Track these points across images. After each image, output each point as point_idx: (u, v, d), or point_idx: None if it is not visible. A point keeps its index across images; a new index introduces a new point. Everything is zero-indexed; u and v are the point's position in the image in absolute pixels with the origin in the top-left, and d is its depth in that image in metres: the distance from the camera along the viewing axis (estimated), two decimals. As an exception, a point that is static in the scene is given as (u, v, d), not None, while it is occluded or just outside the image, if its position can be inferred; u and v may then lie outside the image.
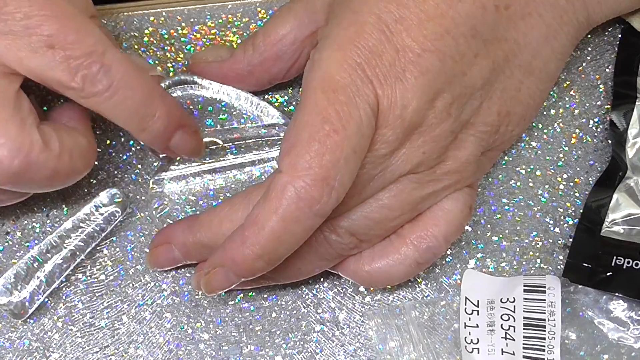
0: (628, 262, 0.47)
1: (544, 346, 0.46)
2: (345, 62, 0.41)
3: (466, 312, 0.48)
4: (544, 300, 0.47)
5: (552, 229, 0.51)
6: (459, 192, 0.46)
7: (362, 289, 0.50)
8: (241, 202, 0.45)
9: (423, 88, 0.42)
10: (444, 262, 0.50)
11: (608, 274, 0.48)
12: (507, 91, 0.45)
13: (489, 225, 0.51)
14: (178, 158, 0.50)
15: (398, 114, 0.42)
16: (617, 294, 0.47)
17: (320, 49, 0.42)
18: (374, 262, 0.46)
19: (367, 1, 0.42)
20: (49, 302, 0.49)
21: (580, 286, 0.48)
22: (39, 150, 0.42)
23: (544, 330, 0.46)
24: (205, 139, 0.50)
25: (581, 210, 0.50)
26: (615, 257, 0.48)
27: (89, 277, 0.50)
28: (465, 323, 0.47)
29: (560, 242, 0.50)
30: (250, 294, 0.49)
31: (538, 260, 0.50)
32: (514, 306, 0.47)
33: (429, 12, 0.42)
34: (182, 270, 0.50)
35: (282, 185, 0.40)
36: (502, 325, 0.47)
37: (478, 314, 0.48)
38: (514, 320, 0.47)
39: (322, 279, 0.50)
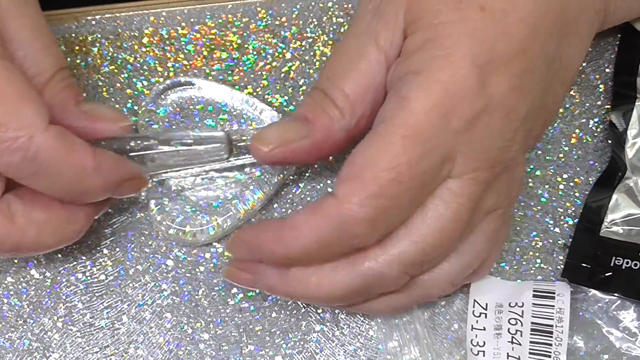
0: (627, 263, 0.47)
1: (550, 352, 0.46)
2: (432, 111, 0.40)
3: (474, 315, 0.48)
4: (553, 306, 0.47)
5: (552, 229, 0.51)
6: (509, 215, 0.46)
7: (362, 289, 0.50)
8: (345, 267, 0.43)
9: (507, 128, 0.41)
10: (444, 262, 0.50)
11: (607, 274, 0.48)
12: (548, 105, 0.45)
13: (489, 225, 0.51)
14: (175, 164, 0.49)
15: (485, 157, 0.41)
16: (617, 296, 0.47)
17: (410, 86, 0.40)
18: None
19: (460, 42, 0.40)
20: (49, 302, 0.49)
21: (589, 294, 0.48)
22: None
23: (551, 337, 0.46)
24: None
25: (581, 210, 0.50)
26: (614, 258, 0.48)
27: (89, 277, 0.50)
28: (472, 325, 0.47)
29: (560, 242, 0.50)
30: (250, 294, 0.49)
31: (538, 260, 0.50)
32: (522, 311, 0.47)
33: (514, 49, 0.41)
34: (182, 270, 0.50)
35: (331, 210, 0.40)
36: (509, 329, 0.47)
37: (486, 317, 0.48)
38: (522, 325, 0.47)
39: (322, 279, 0.50)
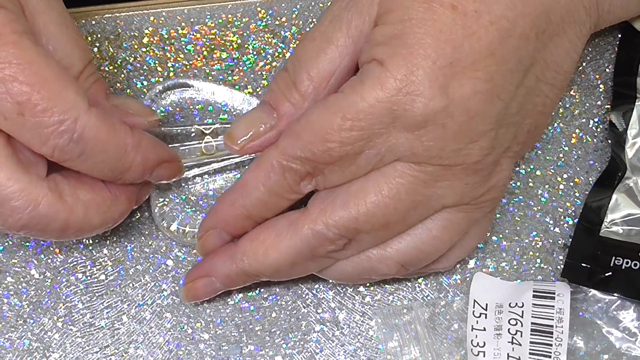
0: (627, 263, 0.47)
1: (551, 352, 0.46)
2: (381, 104, 0.41)
3: (474, 315, 0.48)
4: (553, 306, 0.47)
5: (552, 229, 0.51)
6: (485, 218, 0.46)
7: (362, 288, 0.50)
8: (287, 231, 0.45)
9: (467, 132, 0.42)
10: (444, 262, 0.50)
11: (607, 274, 0.48)
12: (535, 108, 0.45)
13: (489, 225, 0.51)
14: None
15: (435, 155, 0.42)
16: (617, 296, 0.47)
17: (369, 73, 0.42)
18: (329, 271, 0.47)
19: (423, 43, 0.41)
20: (49, 302, 0.49)
21: (589, 294, 0.48)
22: (48, 204, 0.42)
23: (551, 337, 0.46)
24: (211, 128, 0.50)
25: (581, 210, 0.50)
26: (614, 258, 0.48)
27: (89, 277, 0.50)
28: (472, 326, 0.47)
29: (560, 242, 0.50)
30: (250, 294, 0.49)
31: (538, 260, 0.50)
32: (522, 311, 0.47)
33: (481, 52, 0.41)
34: (182, 270, 0.50)
35: (273, 161, 0.44)
36: (509, 329, 0.47)
37: (486, 318, 0.48)
38: (522, 325, 0.47)
39: (322, 279, 0.50)
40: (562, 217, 0.51)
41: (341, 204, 0.43)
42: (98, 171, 0.43)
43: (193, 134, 0.50)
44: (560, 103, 0.53)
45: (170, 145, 0.49)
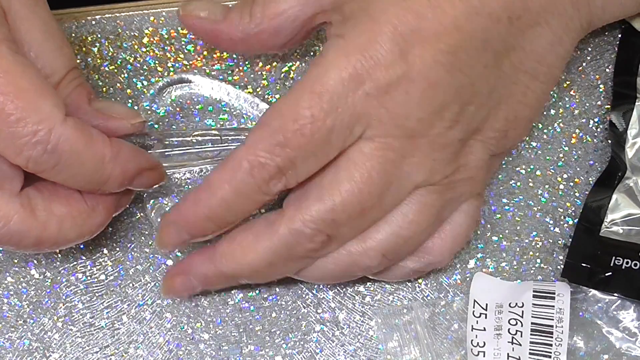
0: (627, 263, 0.47)
1: (551, 352, 0.46)
2: (345, 70, 0.41)
3: (474, 315, 0.48)
4: (553, 306, 0.47)
5: (552, 229, 0.51)
6: (468, 204, 0.46)
7: (362, 288, 0.50)
8: (264, 232, 0.44)
9: (429, 100, 0.42)
10: (444, 262, 0.50)
11: (607, 274, 0.48)
12: (514, 97, 0.45)
13: (489, 225, 0.51)
14: (175, 163, 0.49)
15: (400, 124, 0.42)
16: (617, 296, 0.47)
17: (329, 49, 0.42)
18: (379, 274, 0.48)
19: (387, 10, 0.42)
20: (49, 302, 0.49)
21: (589, 294, 0.48)
22: (20, 220, 0.42)
23: (551, 337, 0.46)
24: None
25: (581, 210, 0.50)
26: (614, 258, 0.48)
27: (89, 277, 0.50)
28: (472, 326, 0.47)
29: (560, 242, 0.50)
30: (250, 294, 0.49)
31: (538, 260, 0.50)
32: (522, 311, 0.47)
33: (446, 24, 0.41)
34: (182, 270, 0.50)
35: (240, 158, 0.43)
36: (509, 329, 0.47)
37: (486, 318, 0.48)
38: (522, 325, 0.47)
39: (322, 279, 0.50)
40: (562, 217, 0.51)
41: (315, 198, 0.43)
42: (74, 183, 0.42)
43: (193, 142, 0.50)
44: (560, 103, 0.53)
45: (166, 153, 0.49)
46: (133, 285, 0.50)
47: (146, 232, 0.50)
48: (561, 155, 0.52)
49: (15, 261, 0.50)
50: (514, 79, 0.44)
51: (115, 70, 0.53)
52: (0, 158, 0.41)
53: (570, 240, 0.49)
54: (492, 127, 0.45)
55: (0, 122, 0.39)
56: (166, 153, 0.49)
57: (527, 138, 0.52)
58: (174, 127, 0.51)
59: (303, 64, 0.53)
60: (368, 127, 0.42)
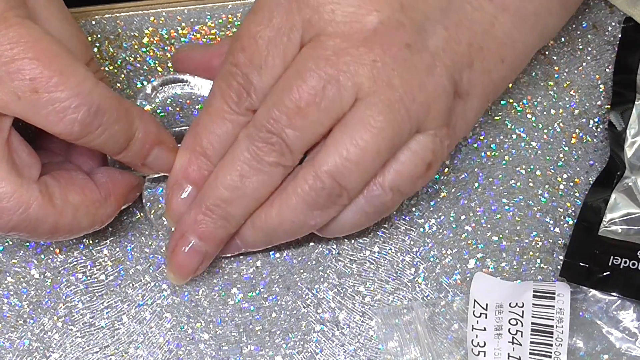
0: (625, 262, 0.47)
1: (551, 352, 0.46)
2: None
3: (474, 315, 0.48)
4: (553, 306, 0.47)
5: (552, 229, 0.51)
6: (418, 143, 0.45)
7: (362, 288, 0.50)
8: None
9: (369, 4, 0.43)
10: (444, 262, 0.50)
11: (605, 274, 0.47)
12: (477, 24, 0.45)
13: (489, 225, 0.51)
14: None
15: (340, 21, 0.43)
16: (616, 295, 0.47)
17: None
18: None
19: None
20: (49, 302, 0.49)
21: (589, 294, 0.48)
22: (38, 207, 0.42)
23: (552, 337, 0.46)
24: None
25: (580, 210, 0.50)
26: (612, 257, 0.48)
27: (89, 277, 0.50)
28: (472, 326, 0.47)
29: (560, 242, 0.50)
30: (250, 294, 0.49)
31: (538, 260, 0.50)
32: (523, 311, 0.47)
33: None
34: (182, 270, 0.50)
35: (213, 87, 0.46)
36: (509, 329, 0.47)
37: (486, 317, 0.48)
38: (522, 325, 0.47)
39: (322, 279, 0.50)
40: (562, 217, 0.51)
41: (264, 105, 0.44)
42: (112, 144, 0.43)
43: None
44: (560, 103, 0.53)
45: None
46: (133, 285, 0.50)
47: (146, 232, 0.50)
48: (561, 155, 0.52)
49: (15, 261, 0.50)
50: (475, 4, 0.44)
51: (115, 71, 0.53)
52: (20, 145, 0.42)
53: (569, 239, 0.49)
54: (453, 50, 0.44)
55: (39, 87, 0.40)
56: None
57: (527, 138, 0.52)
58: (173, 127, 0.51)
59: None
60: (305, 32, 0.43)
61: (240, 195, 0.45)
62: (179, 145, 0.47)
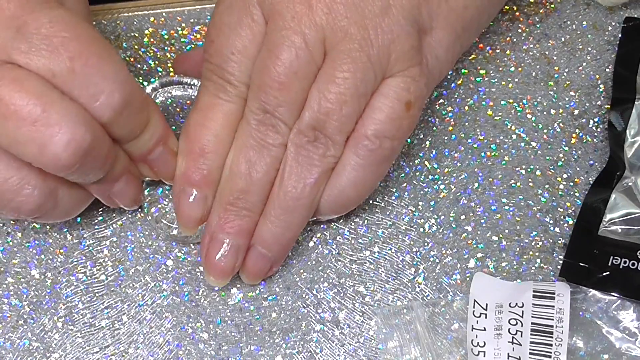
0: (625, 262, 0.47)
1: (551, 352, 0.46)
2: None
3: (474, 315, 0.48)
4: (553, 306, 0.47)
5: (552, 229, 0.51)
6: (389, 86, 0.45)
7: (362, 288, 0.50)
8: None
9: None
10: (444, 262, 0.50)
11: (605, 274, 0.47)
12: None
13: (489, 225, 0.51)
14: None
15: None
16: (616, 295, 0.47)
17: None
18: (329, 187, 0.47)
19: None
20: (49, 302, 0.49)
21: (589, 294, 0.48)
22: (99, 126, 0.42)
23: (552, 337, 0.46)
24: None
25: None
26: (612, 257, 0.48)
27: (89, 277, 0.50)
28: (472, 326, 0.47)
29: (560, 242, 0.50)
30: (250, 294, 0.49)
31: (538, 260, 0.50)
32: (523, 311, 0.47)
33: None
34: (182, 270, 0.50)
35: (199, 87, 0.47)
36: (509, 329, 0.47)
37: (486, 317, 0.48)
38: (522, 325, 0.47)
39: (322, 279, 0.50)
40: (562, 217, 0.51)
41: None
42: (128, 132, 0.44)
43: None
44: (560, 103, 0.53)
45: None
46: (133, 285, 0.50)
47: (146, 232, 0.50)
48: (561, 155, 0.52)
49: (15, 261, 0.50)
50: None
51: (116, 71, 0.53)
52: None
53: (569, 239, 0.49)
54: None
55: (76, 67, 0.40)
56: None
57: (527, 138, 0.52)
58: (173, 127, 0.51)
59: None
60: (263, 8, 0.44)
61: (255, 181, 0.46)
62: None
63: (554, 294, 0.47)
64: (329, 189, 0.47)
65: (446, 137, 0.53)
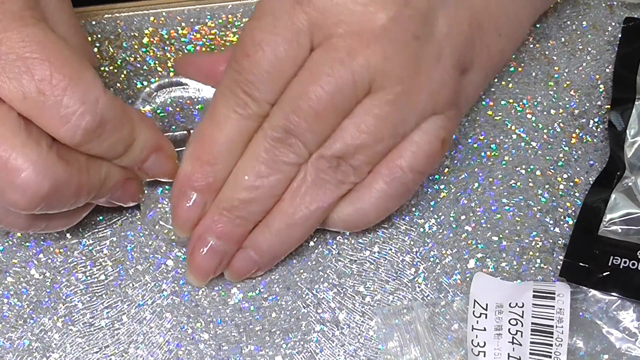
0: (625, 262, 0.47)
1: (551, 352, 0.46)
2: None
3: (474, 315, 0.48)
4: (553, 307, 0.47)
5: (552, 229, 0.51)
6: (430, 123, 0.46)
7: (362, 288, 0.50)
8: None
9: None
10: (444, 262, 0.50)
11: (605, 274, 0.47)
12: (474, 1, 0.46)
13: (489, 225, 0.51)
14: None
15: (339, 19, 0.43)
16: (616, 296, 0.47)
17: None
18: (350, 205, 0.47)
19: None
20: (49, 302, 0.49)
21: (589, 294, 0.48)
22: (62, 171, 0.42)
23: (552, 337, 0.46)
24: None
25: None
26: (612, 257, 0.48)
27: (89, 277, 0.50)
28: (472, 326, 0.47)
29: (560, 242, 0.50)
30: (250, 294, 0.49)
31: (538, 260, 0.50)
32: (523, 311, 0.47)
33: None
34: (182, 270, 0.50)
35: (216, 94, 0.46)
36: (509, 329, 0.47)
37: (486, 318, 0.48)
38: (522, 326, 0.47)
39: (322, 279, 0.50)
40: (562, 217, 0.51)
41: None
42: (111, 151, 0.43)
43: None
44: (560, 103, 0.53)
45: None
46: (133, 285, 0.50)
47: (146, 232, 0.50)
48: (561, 155, 0.52)
49: (15, 261, 0.50)
50: None
51: (115, 71, 0.53)
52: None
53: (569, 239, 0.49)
54: (456, 32, 0.45)
55: (46, 89, 0.40)
56: None
57: (527, 138, 0.52)
58: (173, 127, 0.51)
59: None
60: (314, 35, 0.43)
61: (259, 194, 0.46)
62: (179, 148, 0.47)
63: (554, 294, 0.47)
64: (348, 207, 0.47)
65: (446, 137, 0.53)
